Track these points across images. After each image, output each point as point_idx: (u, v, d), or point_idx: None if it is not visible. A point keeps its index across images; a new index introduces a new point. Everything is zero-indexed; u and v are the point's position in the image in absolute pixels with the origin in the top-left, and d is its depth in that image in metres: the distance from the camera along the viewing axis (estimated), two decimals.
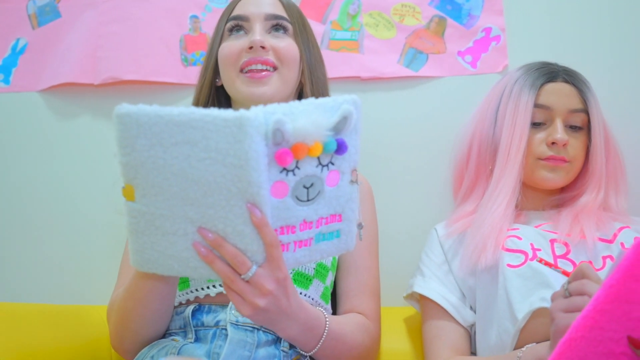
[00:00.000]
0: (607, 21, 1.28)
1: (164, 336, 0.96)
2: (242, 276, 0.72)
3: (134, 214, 0.71)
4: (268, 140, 0.66)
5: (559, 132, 1.02)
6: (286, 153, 0.66)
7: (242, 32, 1.04)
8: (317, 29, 1.31)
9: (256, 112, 0.64)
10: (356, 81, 1.32)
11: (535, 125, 1.04)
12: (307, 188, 0.70)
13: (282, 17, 1.05)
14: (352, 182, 0.74)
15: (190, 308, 0.94)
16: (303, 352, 0.90)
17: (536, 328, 0.91)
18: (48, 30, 1.36)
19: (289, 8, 1.07)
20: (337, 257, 1.06)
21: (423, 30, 1.32)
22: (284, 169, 0.68)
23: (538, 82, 1.04)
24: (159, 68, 1.32)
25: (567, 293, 0.76)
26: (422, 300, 1.06)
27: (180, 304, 0.97)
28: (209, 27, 1.31)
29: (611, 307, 0.62)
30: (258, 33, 1.01)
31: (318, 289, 0.99)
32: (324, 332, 0.87)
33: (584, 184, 1.06)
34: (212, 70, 1.06)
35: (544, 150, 1.03)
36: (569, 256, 0.97)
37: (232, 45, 1.03)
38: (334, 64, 1.31)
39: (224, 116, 0.64)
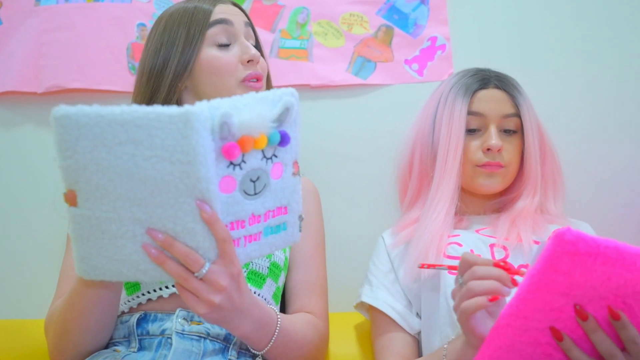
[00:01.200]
0: (545, 30, 1.33)
1: (106, 346, 0.94)
2: (196, 274, 0.71)
3: (78, 219, 0.69)
4: (215, 135, 0.65)
5: (493, 138, 1.04)
6: (233, 147, 0.66)
7: (228, 42, 1.04)
8: (266, 37, 1.33)
9: (201, 107, 0.64)
10: (306, 89, 1.33)
11: (471, 132, 1.06)
12: (254, 181, 0.71)
13: (253, 26, 1.08)
14: (294, 174, 0.75)
15: (136, 316, 0.93)
16: (255, 351, 0.89)
17: None
18: None
19: (248, 16, 1.09)
20: (288, 258, 1.06)
21: (371, 39, 1.34)
22: (231, 163, 0.68)
23: (470, 90, 1.06)
24: (105, 76, 1.30)
25: (462, 284, 0.77)
26: (370, 310, 1.07)
27: (123, 312, 0.95)
28: None
29: (533, 296, 0.65)
30: (252, 47, 1.03)
31: (271, 288, 1.00)
32: (276, 329, 0.87)
33: (520, 187, 1.08)
34: (189, 74, 1.02)
35: (480, 156, 1.05)
36: (507, 260, 0.99)
37: (226, 56, 1.02)
38: (284, 72, 1.32)
39: (168, 112, 0.63)
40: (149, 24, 1.32)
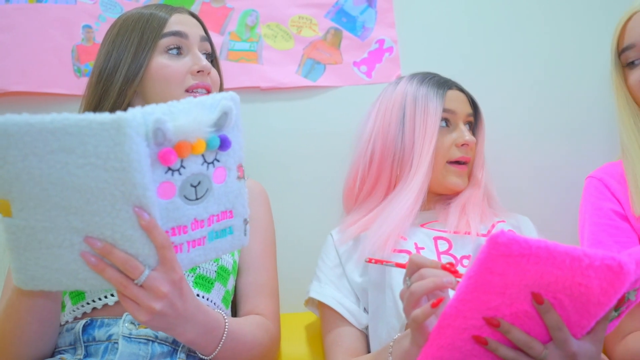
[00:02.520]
0: (486, 33, 1.38)
1: (52, 354, 0.92)
2: (135, 281, 0.71)
3: (13, 229, 0.68)
4: (149, 141, 0.65)
5: (466, 134, 1.09)
6: (169, 152, 0.66)
7: (179, 51, 1.03)
8: (216, 39, 1.31)
9: (134, 113, 0.63)
10: (256, 91, 1.33)
11: (441, 128, 1.10)
12: (195, 187, 0.71)
13: (208, 40, 1.08)
14: (239, 178, 0.75)
15: (81, 323, 0.92)
16: (203, 357, 0.89)
17: None
18: None
19: (205, 28, 1.09)
20: (237, 261, 1.06)
21: (320, 42, 1.36)
22: (169, 169, 0.68)
23: (442, 90, 1.10)
24: (49, 79, 1.28)
25: (410, 286, 0.78)
26: (320, 306, 1.08)
27: (68, 321, 0.94)
28: (102, 37, 1.28)
29: (471, 297, 0.67)
30: (203, 58, 1.03)
31: (219, 292, 1.00)
32: (224, 333, 0.86)
33: (469, 177, 1.13)
34: (139, 81, 1.01)
35: (454, 152, 1.09)
36: (450, 251, 1.02)
37: (175, 65, 1.02)
38: (234, 75, 1.32)
39: (100, 119, 0.62)
40: (95, 26, 1.31)
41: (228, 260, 1.03)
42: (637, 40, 1.05)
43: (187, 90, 1.02)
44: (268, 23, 1.35)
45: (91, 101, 1.04)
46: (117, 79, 1.01)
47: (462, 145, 1.09)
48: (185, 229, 0.72)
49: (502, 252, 0.63)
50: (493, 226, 1.06)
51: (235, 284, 1.06)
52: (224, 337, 0.86)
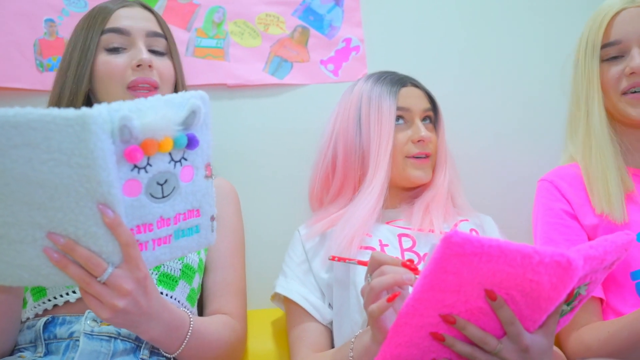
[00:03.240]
0: (453, 34, 1.40)
1: (12, 353, 0.91)
2: (98, 278, 0.70)
3: None
4: (115, 138, 0.65)
5: (422, 130, 1.10)
6: (135, 150, 0.66)
7: (120, 46, 1.02)
8: (182, 36, 1.31)
9: (99, 110, 0.63)
10: (223, 88, 1.33)
11: (397, 125, 1.11)
12: (161, 185, 0.71)
13: (160, 35, 1.06)
14: (207, 177, 0.75)
15: (43, 320, 0.91)
16: (166, 354, 0.89)
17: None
18: None
19: (161, 22, 1.08)
20: (204, 259, 1.06)
21: (287, 40, 1.36)
22: (135, 166, 0.68)
23: (395, 88, 1.12)
24: (10, 73, 1.25)
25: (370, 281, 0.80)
26: (285, 301, 1.09)
27: (29, 318, 0.93)
28: (66, 31, 1.26)
29: (427, 295, 0.69)
30: (145, 52, 1.01)
31: (184, 290, 0.99)
32: (188, 332, 0.87)
33: (432, 174, 1.14)
34: (88, 79, 1.01)
35: (411, 147, 1.10)
36: (414, 249, 1.04)
37: (115, 61, 1.01)
38: (200, 71, 1.31)
39: (64, 115, 0.62)
40: (57, 20, 1.28)
41: (193, 259, 1.03)
42: (624, 38, 1.06)
43: (129, 88, 1.00)
44: (235, 20, 1.35)
45: (51, 98, 1.03)
46: (69, 77, 1.01)
47: (419, 141, 1.10)
48: (150, 227, 0.72)
49: (455, 251, 0.65)
50: (456, 225, 1.09)
51: (202, 282, 1.06)
52: (188, 336, 0.87)
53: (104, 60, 1.01)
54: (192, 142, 0.71)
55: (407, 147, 1.10)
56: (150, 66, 1.01)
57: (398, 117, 1.11)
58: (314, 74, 1.36)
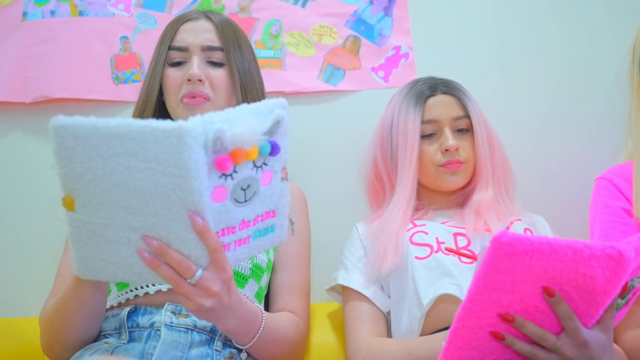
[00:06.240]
0: (496, 37, 1.43)
1: (97, 338, 0.98)
2: (188, 280, 0.74)
3: (75, 223, 0.71)
4: (207, 149, 0.67)
5: (449, 140, 1.12)
6: (226, 160, 0.68)
7: (181, 60, 1.10)
8: None
9: (194, 123, 0.65)
10: (280, 96, 1.39)
11: (427, 137, 1.15)
12: (245, 190, 0.73)
13: (215, 48, 1.10)
14: (282, 179, 0.78)
15: (126, 310, 0.96)
16: (239, 346, 0.94)
17: (440, 313, 1.01)
18: None
19: (223, 30, 1.11)
20: (272, 259, 1.11)
21: (340, 49, 1.43)
22: (223, 174, 0.70)
23: (421, 99, 1.14)
24: (89, 86, 1.35)
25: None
26: (344, 291, 1.13)
27: (113, 306, 0.99)
28: (138, 47, 1.37)
29: (482, 297, 0.70)
30: (196, 66, 1.07)
31: (253, 288, 1.04)
32: (261, 326, 0.91)
33: (474, 181, 1.16)
34: (159, 90, 1.11)
35: (440, 158, 1.13)
36: (469, 247, 1.08)
37: (173, 74, 1.09)
38: None
39: (162, 127, 0.65)
40: (131, 37, 1.38)
41: (262, 259, 1.07)
42: None
43: (180, 100, 1.08)
44: (291, 32, 1.42)
45: (137, 107, 1.13)
46: (149, 89, 1.11)
47: (446, 150, 1.12)
48: (233, 230, 0.74)
49: (506, 251, 0.65)
50: (511, 223, 1.11)
51: (270, 280, 1.10)
52: (260, 330, 0.90)
53: (167, 74, 1.10)
54: (274, 149, 0.73)
55: (437, 157, 1.13)
56: (200, 80, 1.07)
57: (426, 129, 1.13)
58: (365, 80, 1.42)
